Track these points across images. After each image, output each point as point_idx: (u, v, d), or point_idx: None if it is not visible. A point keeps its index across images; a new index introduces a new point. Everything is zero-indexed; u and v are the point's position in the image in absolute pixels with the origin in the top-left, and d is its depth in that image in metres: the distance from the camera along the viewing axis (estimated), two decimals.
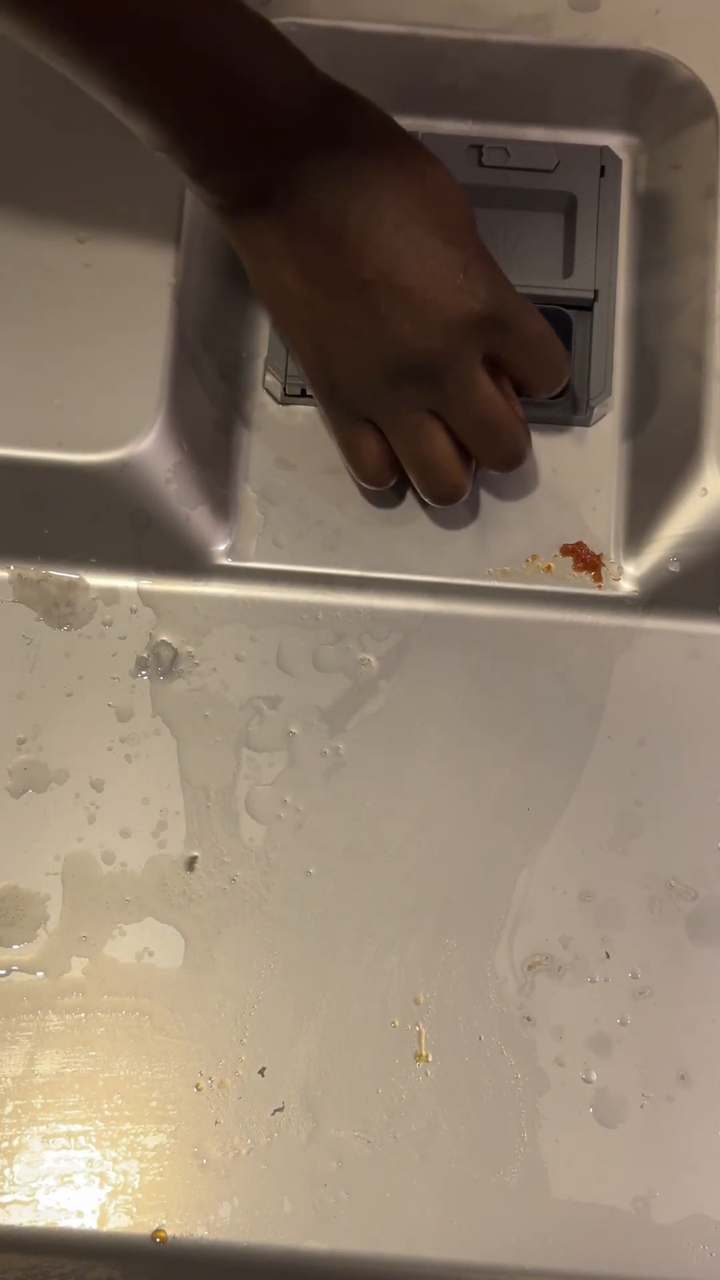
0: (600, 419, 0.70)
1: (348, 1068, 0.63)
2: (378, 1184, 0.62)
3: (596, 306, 0.69)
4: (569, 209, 0.70)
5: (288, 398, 0.69)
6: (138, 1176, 0.62)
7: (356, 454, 0.66)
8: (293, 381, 0.69)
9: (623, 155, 0.72)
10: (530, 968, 0.64)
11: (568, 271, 0.69)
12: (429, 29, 0.70)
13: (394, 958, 0.64)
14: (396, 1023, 0.63)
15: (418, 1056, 0.63)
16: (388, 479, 0.67)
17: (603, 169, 0.70)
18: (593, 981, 0.64)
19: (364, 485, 0.68)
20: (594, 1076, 0.63)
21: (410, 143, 0.63)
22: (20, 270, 0.66)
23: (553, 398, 0.67)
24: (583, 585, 0.68)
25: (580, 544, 0.68)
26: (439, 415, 0.64)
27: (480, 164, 0.69)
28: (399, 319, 0.61)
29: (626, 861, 0.65)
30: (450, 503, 0.66)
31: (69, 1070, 0.63)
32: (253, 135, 0.58)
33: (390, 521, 0.69)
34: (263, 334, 0.70)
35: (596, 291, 0.69)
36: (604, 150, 0.71)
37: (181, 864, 0.65)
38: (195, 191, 0.61)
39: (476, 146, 0.70)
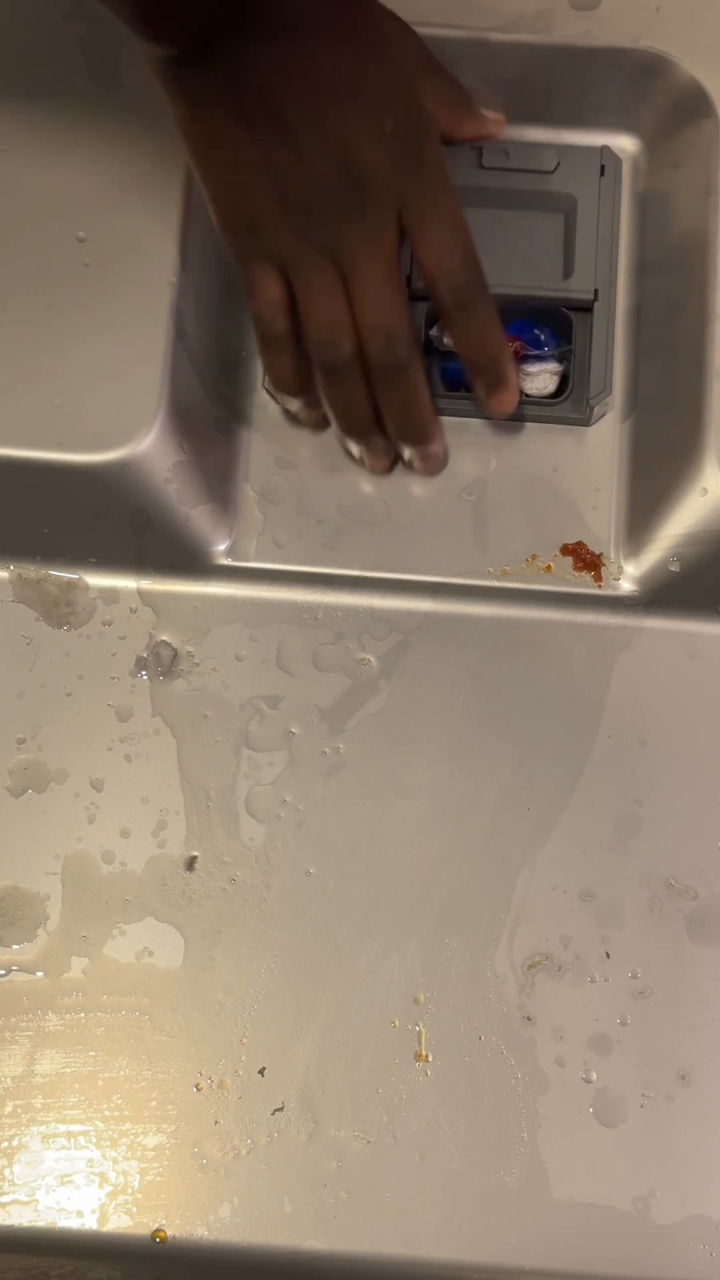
0: (600, 419, 0.70)
1: (348, 1068, 0.63)
2: (378, 1184, 0.62)
3: (596, 306, 0.69)
4: (569, 210, 0.69)
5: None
6: (138, 1176, 0.62)
7: (258, 294, 0.65)
8: None
9: (623, 155, 0.72)
10: (530, 968, 0.64)
11: (568, 272, 0.69)
12: (429, 29, 0.69)
13: (394, 958, 0.64)
14: (396, 1023, 0.63)
15: (418, 1056, 0.63)
16: (282, 323, 0.65)
17: (602, 168, 0.70)
18: (593, 981, 0.64)
19: (259, 332, 0.66)
20: (594, 1076, 0.63)
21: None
22: (20, 270, 0.66)
23: (552, 397, 0.67)
24: (583, 585, 0.68)
25: (580, 544, 0.68)
26: (342, 272, 0.63)
27: (480, 165, 0.69)
28: (318, 158, 0.61)
29: (626, 861, 0.65)
30: (333, 357, 0.64)
31: (69, 1070, 0.63)
32: None
33: (390, 521, 0.69)
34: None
35: (596, 291, 0.69)
36: (604, 150, 0.71)
37: (181, 864, 0.65)
38: (138, 43, 0.61)
39: (476, 148, 0.70)
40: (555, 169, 0.69)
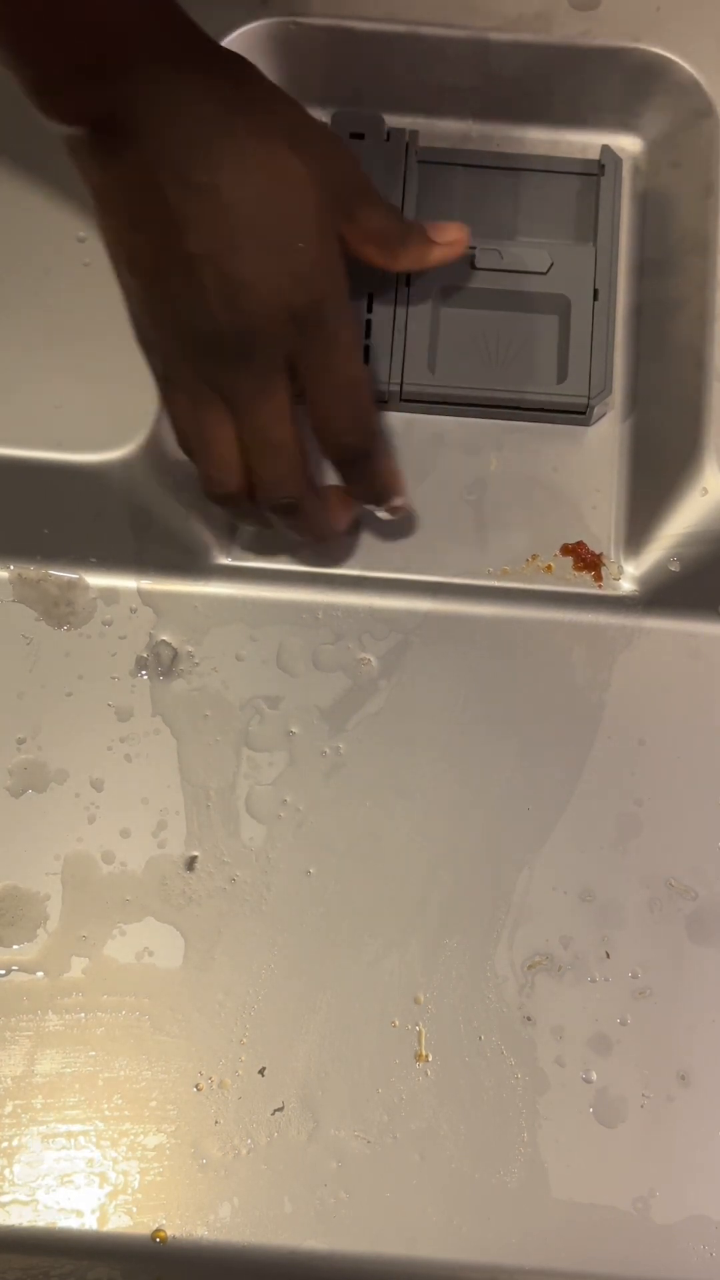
0: (600, 419, 0.70)
1: (348, 1068, 0.63)
2: (378, 1184, 0.62)
3: (596, 305, 0.69)
4: (562, 312, 0.69)
5: None
6: (138, 1176, 0.62)
7: (169, 412, 0.63)
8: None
9: (623, 155, 0.72)
10: (530, 968, 0.64)
11: (561, 376, 0.69)
12: (429, 29, 0.69)
13: (394, 957, 0.64)
14: (396, 1023, 0.63)
15: (418, 1056, 0.63)
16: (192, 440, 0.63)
17: (602, 168, 0.70)
18: (593, 981, 0.64)
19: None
20: (594, 1076, 0.63)
21: (269, 100, 0.59)
22: (20, 270, 0.66)
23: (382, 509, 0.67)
24: (583, 585, 0.68)
25: (580, 544, 0.68)
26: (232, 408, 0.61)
27: (473, 266, 0.69)
28: (214, 297, 0.57)
29: (626, 861, 0.65)
30: (223, 491, 0.62)
31: (69, 1070, 0.63)
32: (85, 61, 0.54)
33: (390, 521, 0.69)
34: None
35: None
36: (604, 150, 0.71)
37: (181, 864, 0.65)
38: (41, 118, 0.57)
39: (469, 249, 0.69)
40: (549, 270, 0.69)
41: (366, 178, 0.62)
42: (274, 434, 0.60)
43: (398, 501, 0.66)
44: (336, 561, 0.68)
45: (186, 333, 0.59)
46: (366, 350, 0.69)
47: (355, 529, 0.69)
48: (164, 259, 0.57)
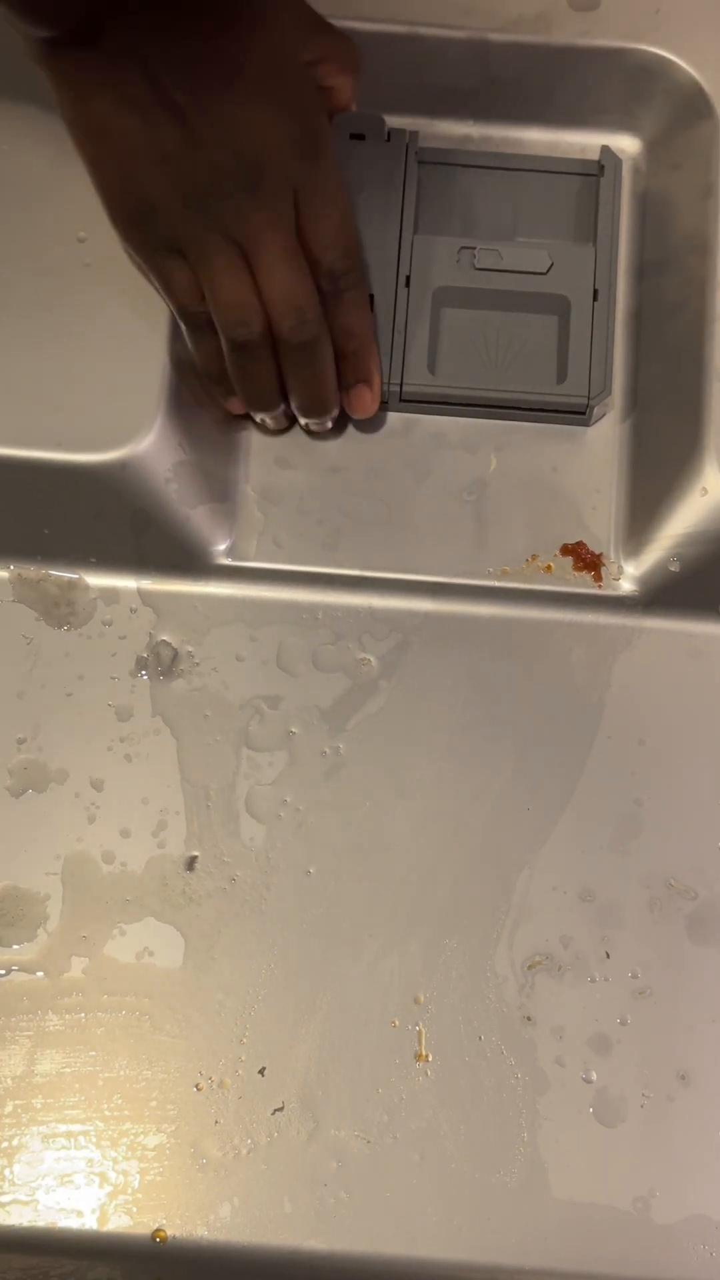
0: (600, 419, 0.70)
1: (348, 1068, 0.63)
2: (378, 1184, 0.62)
3: (596, 306, 0.69)
4: (562, 312, 0.69)
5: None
6: (138, 1176, 0.62)
7: (168, 282, 0.64)
8: None
9: (623, 155, 0.72)
10: (530, 968, 0.64)
11: (561, 377, 0.69)
12: (429, 29, 0.70)
13: (394, 958, 0.64)
14: (396, 1023, 0.63)
15: (418, 1056, 0.63)
16: (200, 306, 0.64)
17: (602, 168, 0.71)
18: (593, 981, 0.64)
19: (182, 319, 0.65)
20: (594, 1076, 0.63)
21: None
22: (20, 270, 0.66)
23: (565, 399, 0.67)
24: (583, 585, 0.68)
25: (580, 544, 0.68)
26: (245, 254, 0.63)
27: (474, 267, 0.69)
28: (213, 143, 0.60)
29: (626, 861, 0.65)
30: (242, 336, 0.64)
31: (69, 1070, 0.63)
32: None
33: (390, 521, 0.69)
34: None
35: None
36: (604, 150, 0.71)
37: (181, 864, 0.65)
38: (20, 27, 0.60)
39: (469, 249, 0.69)
40: (548, 271, 0.69)
41: (316, 15, 0.64)
42: (293, 263, 0.63)
43: (369, 394, 0.68)
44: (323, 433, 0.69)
45: (189, 188, 0.61)
46: None
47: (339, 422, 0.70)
48: (157, 123, 0.60)
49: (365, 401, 0.68)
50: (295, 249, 0.63)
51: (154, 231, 0.63)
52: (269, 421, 0.69)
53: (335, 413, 0.68)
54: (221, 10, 0.60)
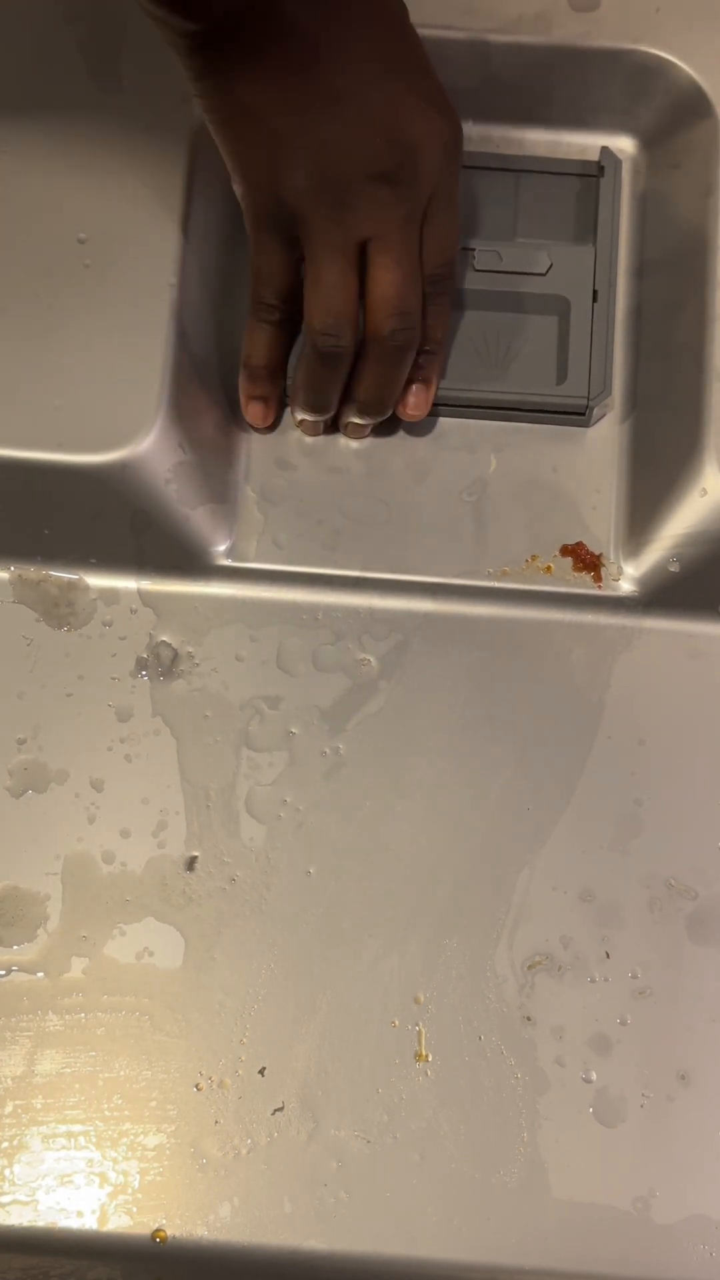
0: (600, 419, 0.70)
1: (348, 1068, 0.63)
2: (378, 1184, 0.62)
3: (596, 307, 0.69)
4: (562, 313, 0.69)
5: (288, 398, 0.69)
6: (137, 1176, 0.62)
7: (262, 267, 0.65)
8: (293, 383, 0.69)
9: (623, 156, 0.72)
10: (530, 968, 0.64)
11: (561, 377, 0.69)
12: (429, 29, 0.69)
13: (394, 958, 0.64)
14: (396, 1023, 0.63)
15: (418, 1056, 0.63)
16: (281, 302, 0.66)
17: (602, 169, 0.71)
18: (593, 981, 0.64)
19: (254, 307, 0.66)
20: (594, 1076, 0.63)
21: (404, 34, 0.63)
22: (20, 270, 0.66)
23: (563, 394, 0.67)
24: (582, 585, 0.68)
25: (580, 544, 0.68)
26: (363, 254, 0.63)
27: (473, 268, 0.69)
28: (367, 129, 0.60)
29: (626, 861, 0.65)
30: (330, 347, 0.64)
31: (69, 1070, 0.63)
32: None
33: (390, 522, 0.69)
34: None
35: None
36: (604, 150, 0.71)
37: (181, 864, 0.65)
38: (167, 22, 0.60)
39: (469, 250, 0.69)
40: (548, 271, 0.69)
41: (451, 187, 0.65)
42: (411, 265, 0.64)
43: (426, 395, 0.69)
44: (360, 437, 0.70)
45: (330, 179, 0.61)
46: None
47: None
48: (307, 107, 0.60)
49: (423, 401, 0.68)
50: (416, 252, 0.63)
51: (277, 218, 0.63)
52: (310, 423, 0.69)
53: (389, 414, 0.69)
54: (380, 23, 0.61)
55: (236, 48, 0.60)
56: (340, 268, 0.63)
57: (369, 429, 0.69)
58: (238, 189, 0.63)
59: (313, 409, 0.68)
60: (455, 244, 0.66)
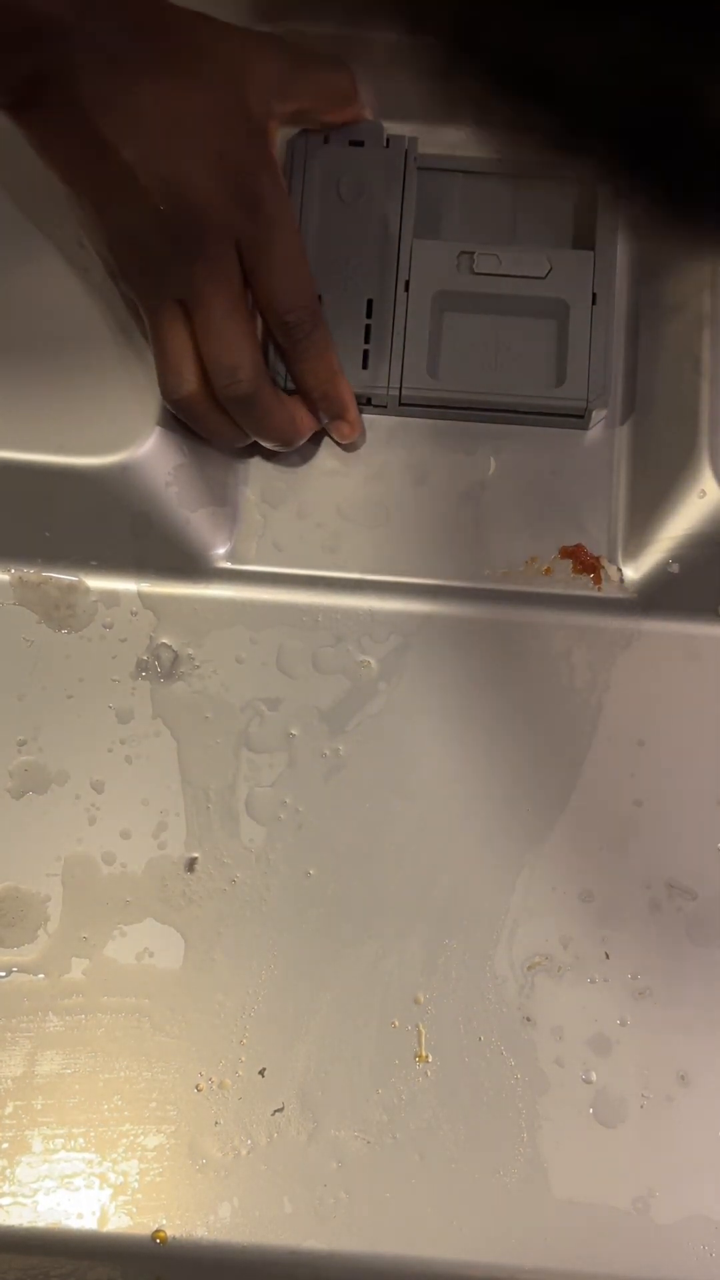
0: (599, 421, 0.70)
1: (348, 1068, 0.63)
2: (378, 1184, 0.62)
3: (595, 309, 0.69)
4: (561, 316, 0.70)
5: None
6: (137, 1177, 0.62)
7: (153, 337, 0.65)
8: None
9: None
10: (530, 968, 0.64)
11: (560, 380, 0.69)
12: (429, 35, 0.70)
13: (394, 958, 0.64)
14: (396, 1023, 0.63)
15: (418, 1056, 0.63)
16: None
17: None
18: (593, 982, 0.64)
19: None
20: (594, 1076, 0.63)
21: (189, 26, 0.62)
22: (20, 274, 0.66)
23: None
24: (582, 587, 0.68)
25: (579, 546, 0.68)
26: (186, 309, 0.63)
27: (472, 271, 0.70)
28: (156, 196, 0.60)
29: (626, 862, 0.65)
30: (176, 395, 0.64)
31: (69, 1071, 0.63)
32: (12, 31, 0.59)
33: (390, 524, 0.69)
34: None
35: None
36: None
37: (181, 865, 0.66)
38: None
39: (468, 253, 0.70)
40: (547, 275, 0.70)
41: (292, 59, 0.65)
42: (230, 321, 0.63)
43: (346, 426, 0.69)
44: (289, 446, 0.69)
45: (139, 241, 0.62)
46: (365, 355, 0.69)
47: (316, 436, 0.70)
48: (106, 179, 0.61)
49: (344, 433, 0.69)
50: (235, 305, 0.63)
51: (118, 278, 0.65)
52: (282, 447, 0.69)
53: (300, 442, 0.68)
54: (170, 63, 0.61)
55: (42, 120, 0.62)
56: (162, 320, 0.63)
57: (356, 427, 0.69)
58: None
59: (229, 446, 0.68)
60: (293, 290, 0.65)
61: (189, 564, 0.68)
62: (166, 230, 0.61)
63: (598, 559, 0.68)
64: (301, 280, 0.65)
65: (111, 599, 0.69)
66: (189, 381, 0.64)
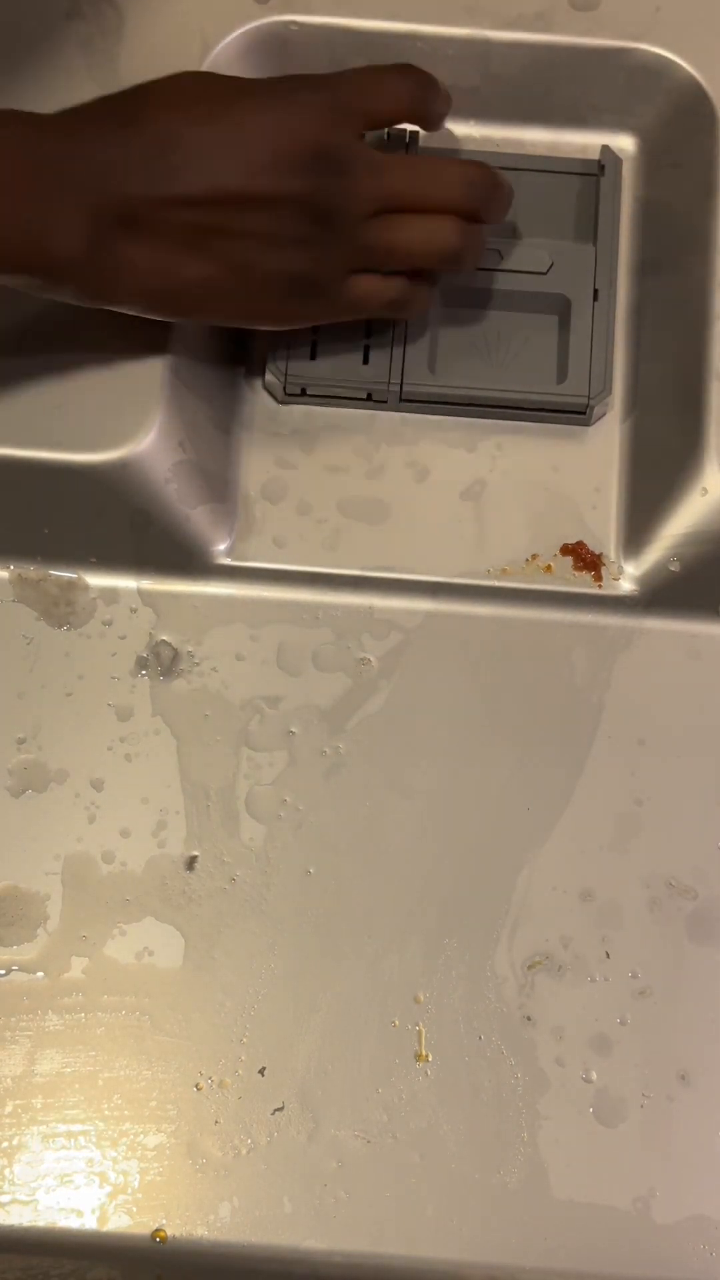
0: (600, 419, 0.70)
1: (348, 1067, 0.63)
2: (378, 1184, 0.62)
3: (596, 305, 0.69)
4: (562, 312, 0.69)
5: (288, 397, 0.69)
6: (137, 1176, 0.62)
7: (359, 301, 0.65)
8: (293, 381, 0.69)
9: (623, 155, 0.72)
10: (530, 968, 0.64)
11: (561, 376, 0.69)
12: (429, 28, 0.69)
13: (394, 957, 0.64)
14: (396, 1022, 0.63)
15: (418, 1056, 0.63)
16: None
17: (602, 168, 0.70)
18: (593, 981, 0.64)
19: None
20: (594, 1076, 0.63)
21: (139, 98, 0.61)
22: None
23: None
24: (583, 585, 0.68)
25: (580, 543, 0.68)
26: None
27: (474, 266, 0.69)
28: (279, 206, 0.60)
29: (626, 861, 0.65)
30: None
31: (69, 1070, 0.63)
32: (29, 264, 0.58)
33: (390, 521, 0.69)
34: (262, 333, 0.70)
35: (597, 292, 0.69)
36: (604, 150, 0.71)
37: (181, 864, 0.65)
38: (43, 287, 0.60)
39: None
40: (549, 270, 0.69)
41: (361, 79, 0.64)
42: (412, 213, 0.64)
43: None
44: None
45: (292, 252, 0.61)
46: (366, 350, 0.69)
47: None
48: (224, 224, 0.59)
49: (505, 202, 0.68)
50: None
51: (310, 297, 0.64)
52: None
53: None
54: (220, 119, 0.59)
55: (127, 241, 0.59)
56: (380, 284, 0.65)
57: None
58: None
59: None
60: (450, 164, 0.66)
61: (189, 561, 0.68)
62: (303, 216, 0.60)
63: (599, 556, 0.68)
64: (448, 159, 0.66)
65: (111, 596, 0.68)
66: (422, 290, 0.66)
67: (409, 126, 0.70)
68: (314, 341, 0.69)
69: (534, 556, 0.68)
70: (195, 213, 0.59)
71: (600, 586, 0.68)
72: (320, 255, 0.62)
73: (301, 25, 0.69)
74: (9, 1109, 0.62)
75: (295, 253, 0.61)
